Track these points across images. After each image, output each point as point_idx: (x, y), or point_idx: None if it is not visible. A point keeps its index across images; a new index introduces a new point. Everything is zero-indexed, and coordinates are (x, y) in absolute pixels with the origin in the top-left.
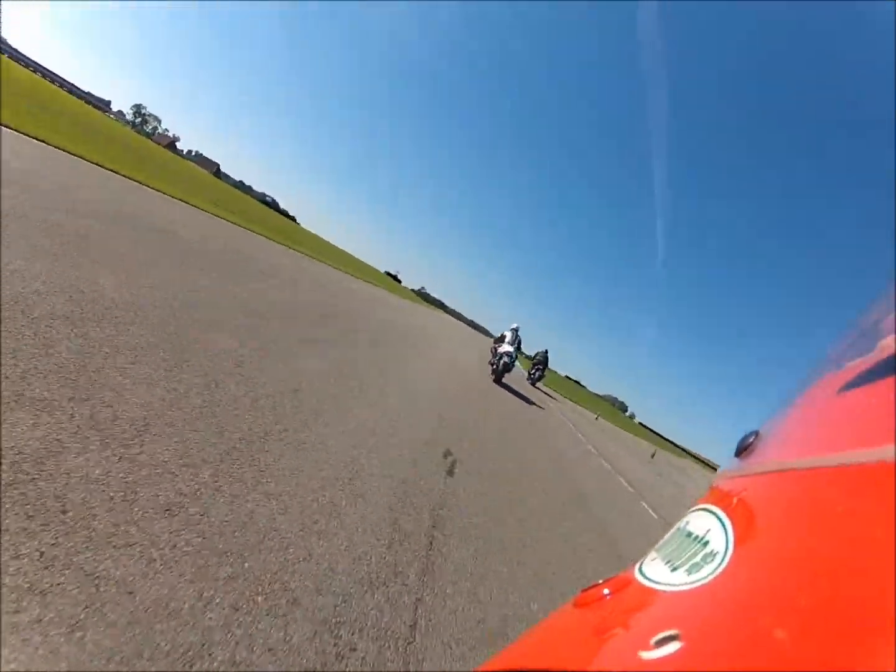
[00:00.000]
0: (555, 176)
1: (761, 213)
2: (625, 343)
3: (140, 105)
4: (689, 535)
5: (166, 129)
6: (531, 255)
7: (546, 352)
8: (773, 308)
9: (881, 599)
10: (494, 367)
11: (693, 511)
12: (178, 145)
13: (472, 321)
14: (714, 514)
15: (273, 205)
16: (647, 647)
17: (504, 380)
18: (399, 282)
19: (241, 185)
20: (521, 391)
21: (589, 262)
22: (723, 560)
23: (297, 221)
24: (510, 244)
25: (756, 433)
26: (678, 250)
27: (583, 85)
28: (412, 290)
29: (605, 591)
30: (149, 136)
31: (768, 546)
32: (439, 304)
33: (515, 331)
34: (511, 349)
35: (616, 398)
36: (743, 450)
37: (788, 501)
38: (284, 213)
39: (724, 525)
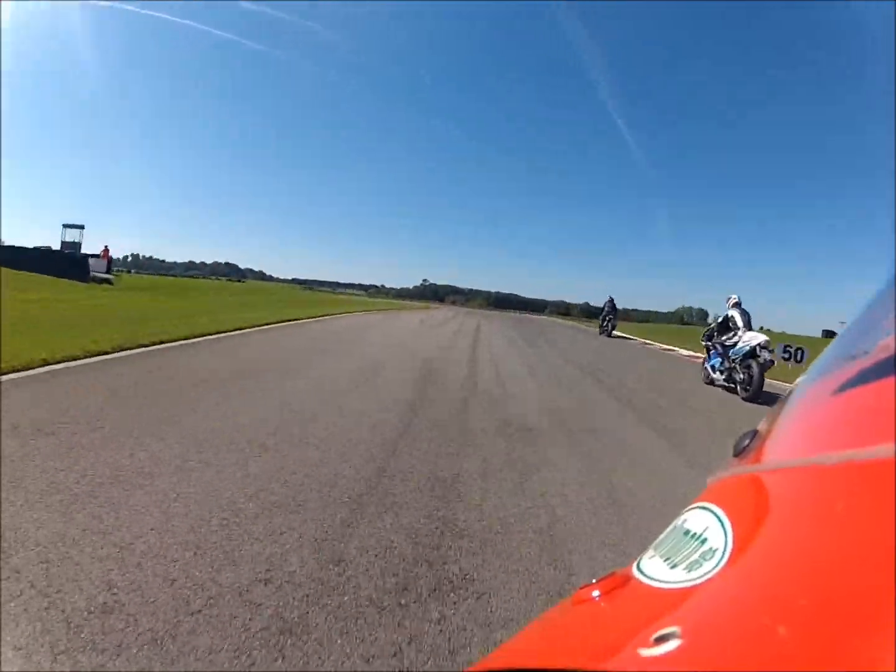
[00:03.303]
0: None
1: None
2: (649, 245)
3: None
4: (687, 532)
5: None
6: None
7: (611, 299)
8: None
9: (881, 597)
10: (741, 376)
11: (690, 509)
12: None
13: (498, 293)
14: (712, 511)
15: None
16: (647, 645)
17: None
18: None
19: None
20: None
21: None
22: (722, 557)
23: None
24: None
25: (754, 432)
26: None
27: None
28: (413, 287)
29: (604, 588)
30: None
31: (767, 543)
32: (452, 290)
33: (739, 305)
34: (763, 338)
35: (690, 307)
36: (741, 449)
37: (787, 499)
38: (251, 273)
39: (722, 523)
